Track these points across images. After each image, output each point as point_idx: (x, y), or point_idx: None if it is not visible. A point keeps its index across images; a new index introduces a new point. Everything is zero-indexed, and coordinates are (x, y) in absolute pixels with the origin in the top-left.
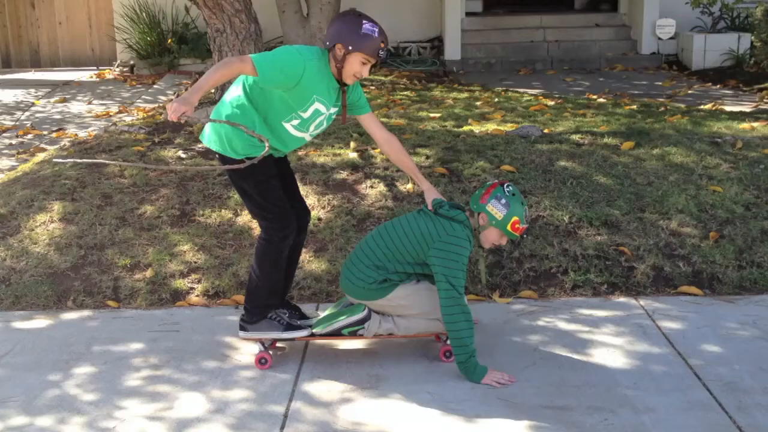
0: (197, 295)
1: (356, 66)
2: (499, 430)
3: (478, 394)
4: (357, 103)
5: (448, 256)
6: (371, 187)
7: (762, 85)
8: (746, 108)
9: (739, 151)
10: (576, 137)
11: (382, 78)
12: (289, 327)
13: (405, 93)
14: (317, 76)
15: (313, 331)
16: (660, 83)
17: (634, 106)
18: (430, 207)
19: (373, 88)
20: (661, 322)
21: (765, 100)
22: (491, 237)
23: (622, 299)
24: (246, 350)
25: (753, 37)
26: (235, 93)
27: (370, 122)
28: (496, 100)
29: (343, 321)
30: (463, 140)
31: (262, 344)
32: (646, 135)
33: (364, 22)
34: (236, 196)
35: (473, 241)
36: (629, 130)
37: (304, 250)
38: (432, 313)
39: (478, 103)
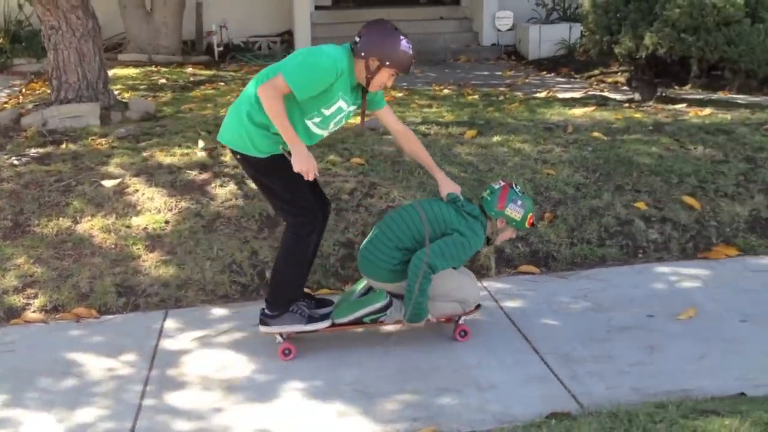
0: (34, 311)
1: (385, 78)
2: (351, 421)
3: (331, 387)
4: (374, 99)
5: (457, 248)
6: (221, 186)
7: (591, 72)
8: (577, 94)
9: (570, 135)
10: (423, 128)
11: (232, 73)
12: (311, 319)
13: None
14: (345, 78)
15: (335, 321)
16: (500, 73)
17: (477, 96)
18: (444, 199)
19: (223, 84)
20: (503, 302)
21: (594, 86)
22: (507, 235)
23: None
24: (92, 365)
25: (582, 27)
26: (253, 93)
27: (386, 116)
28: None
29: (365, 309)
30: None
31: (281, 335)
32: (488, 123)
33: (401, 38)
34: (75, 202)
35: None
36: (472, 119)
37: (150, 254)
38: (451, 295)
39: None
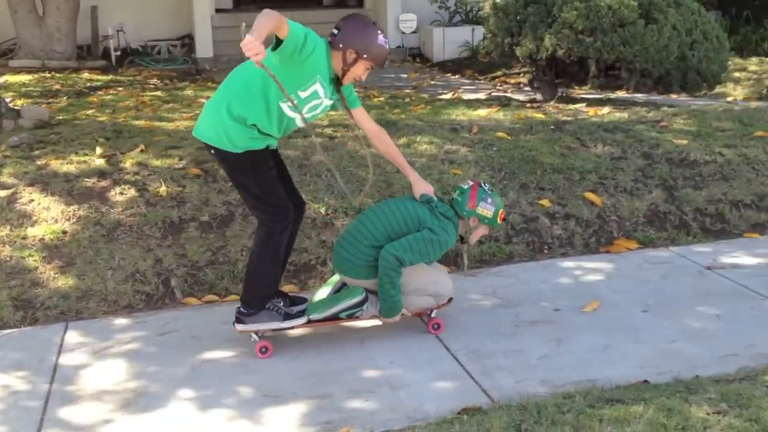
0: None
1: (361, 71)
2: (259, 428)
3: (238, 394)
4: (349, 98)
5: (426, 244)
6: (121, 193)
7: (494, 74)
8: (481, 95)
9: (475, 135)
10: (329, 131)
11: (131, 78)
12: (287, 316)
13: (155, 93)
14: (323, 60)
15: (310, 317)
16: (405, 75)
17: (383, 98)
18: (418, 199)
19: (121, 89)
20: None
21: (498, 88)
22: (480, 233)
23: None
24: None
25: (484, 30)
26: (230, 85)
27: (360, 116)
28: None
29: (341, 305)
30: None
31: (257, 334)
32: (394, 125)
33: (379, 32)
34: None
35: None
36: (378, 121)
37: (48, 265)
38: (425, 289)
39: None
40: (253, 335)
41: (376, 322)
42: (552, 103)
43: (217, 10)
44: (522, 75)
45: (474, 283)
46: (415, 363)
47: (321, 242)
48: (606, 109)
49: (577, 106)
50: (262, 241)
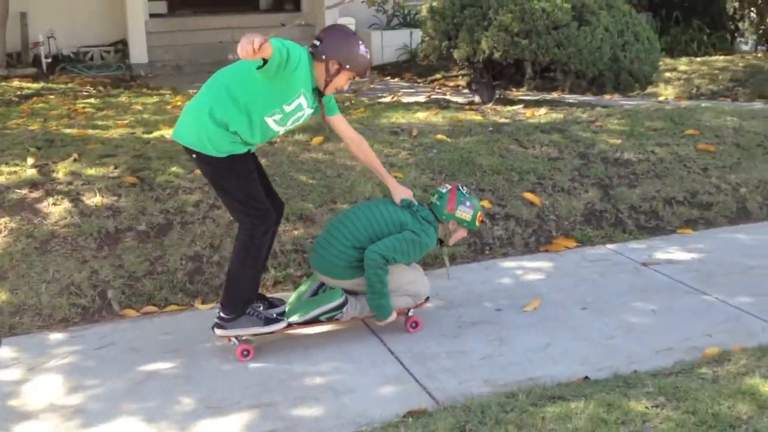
0: None
1: (343, 81)
2: None
3: (186, 407)
4: (328, 105)
5: (408, 245)
6: (54, 204)
7: (434, 77)
8: (421, 98)
9: (415, 138)
10: None
11: (63, 85)
12: (268, 321)
13: (88, 101)
14: (306, 72)
15: (290, 320)
16: None
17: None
18: (398, 204)
19: (53, 97)
20: None
21: (437, 90)
22: (459, 235)
23: None
24: None
25: (422, 33)
26: (213, 90)
27: (338, 123)
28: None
29: (321, 308)
30: (153, 147)
31: (237, 338)
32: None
33: (360, 42)
34: None
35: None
36: (319, 125)
37: None
38: (404, 289)
39: (168, 107)
40: (233, 339)
41: (322, 327)
42: (490, 105)
43: (151, 15)
44: (460, 77)
45: None
46: (360, 367)
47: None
48: (543, 111)
49: (515, 107)
50: (243, 245)
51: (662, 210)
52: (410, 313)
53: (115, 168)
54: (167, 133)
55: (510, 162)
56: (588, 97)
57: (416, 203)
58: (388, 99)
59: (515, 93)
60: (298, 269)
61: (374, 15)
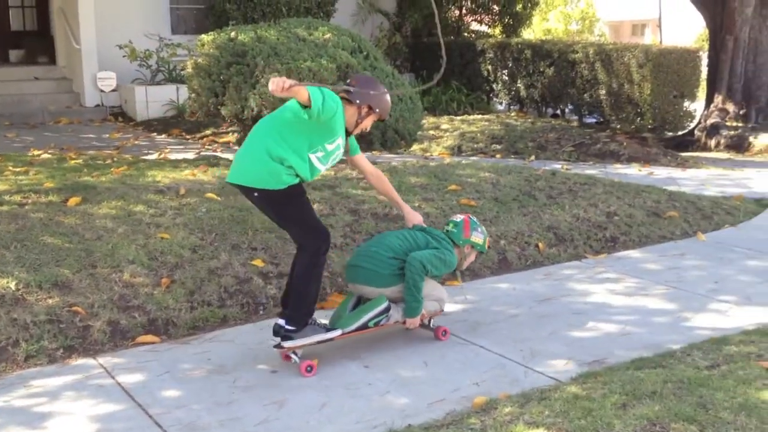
0: None
1: (369, 123)
2: None
3: None
4: (352, 145)
5: (439, 261)
6: None
7: (203, 133)
8: (190, 155)
9: (183, 197)
10: (17, 197)
11: None
12: (327, 329)
13: None
14: (342, 116)
15: (343, 329)
16: (107, 135)
17: (81, 160)
18: (410, 228)
19: None
20: (121, 377)
21: (206, 147)
22: (471, 259)
23: (80, 361)
24: None
25: (188, 89)
26: (266, 134)
27: (360, 161)
28: None
29: (369, 314)
30: None
31: (297, 355)
32: (93, 189)
33: (385, 90)
34: None
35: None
36: (75, 185)
37: None
38: (430, 296)
39: None
40: (294, 357)
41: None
42: None
43: None
44: (231, 134)
45: (187, 352)
46: None
47: (12, 320)
48: None
49: None
50: (308, 264)
51: None
52: (431, 325)
53: None
54: None
55: None
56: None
57: (427, 227)
58: (154, 156)
59: None
60: (54, 341)
61: (137, 70)
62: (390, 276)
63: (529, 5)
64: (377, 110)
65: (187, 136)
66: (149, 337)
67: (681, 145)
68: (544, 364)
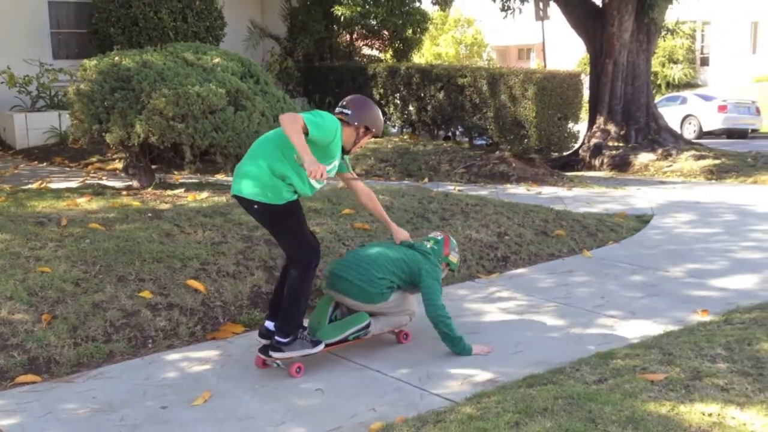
0: None
1: (365, 141)
2: None
3: None
4: (346, 163)
5: (436, 283)
6: None
7: (88, 161)
8: (73, 184)
9: (65, 228)
10: None
11: None
12: (313, 343)
13: None
14: (340, 140)
15: (326, 342)
16: None
17: None
18: (397, 243)
19: None
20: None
21: (91, 175)
22: (443, 274)
23: None
24: None
25: (69, 116)
26: (268, 152)
27: (351, 178)
28: None
29: (351, 329)
30: None
31: (280, 362)
32: None
33: (377, 109)
34: None
35: None
36: None
37: None
38: (405, 311)
39: None
40: (278, 362)
41: None
42: (150, 189)
43: None
44: (117, 161)
45: (71, 390)
46: None
47: None
48: (205, 194)
49: (176, 191)
50: (300, 277)
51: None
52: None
53: None
54: None
55: (171, 249)
56: None
57: (414, 242)
58: (35, 185)
59: (177, 176)
60: None
61: (17, 96)
62: (376, 294)
63: (419, 31)
64: (373, 129)
65: (71, 164)
66: (29, 377)
67: (567, 165)
68: (441, 386)
